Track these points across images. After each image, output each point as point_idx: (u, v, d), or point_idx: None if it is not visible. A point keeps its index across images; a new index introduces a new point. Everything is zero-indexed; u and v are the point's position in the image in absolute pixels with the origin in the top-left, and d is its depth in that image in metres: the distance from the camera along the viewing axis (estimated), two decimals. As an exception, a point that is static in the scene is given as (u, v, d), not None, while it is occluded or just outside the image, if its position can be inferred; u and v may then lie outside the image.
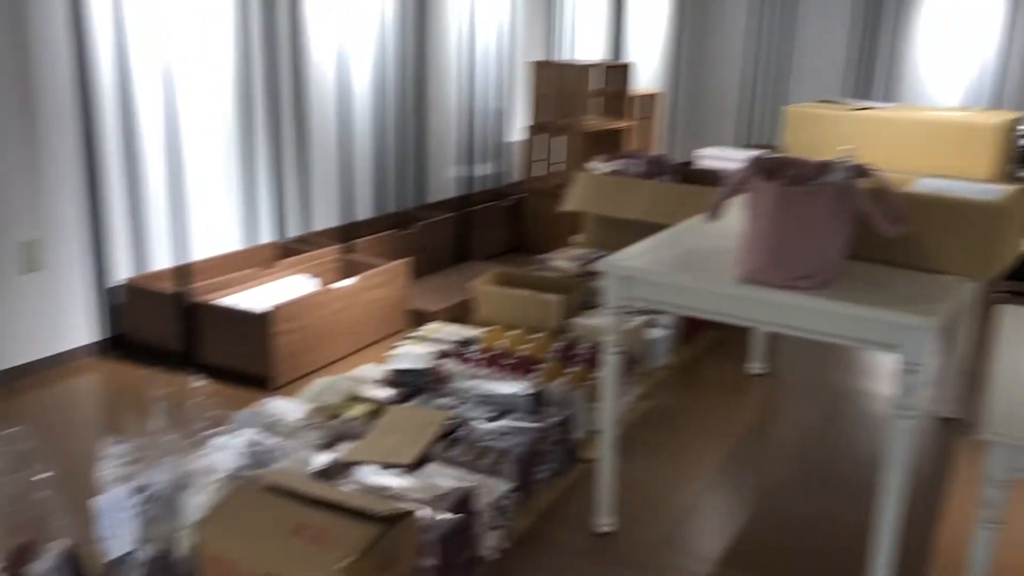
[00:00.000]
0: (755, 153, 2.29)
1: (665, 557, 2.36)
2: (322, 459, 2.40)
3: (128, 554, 2.03)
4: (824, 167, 2.07)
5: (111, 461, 2.14)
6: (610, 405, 2.36)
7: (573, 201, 4.29)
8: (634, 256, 2.30)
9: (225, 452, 2.23)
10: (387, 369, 2.95)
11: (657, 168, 4.44)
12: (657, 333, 3.59)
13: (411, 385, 2.91)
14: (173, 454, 2.17)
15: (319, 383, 2.86)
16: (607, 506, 2.44)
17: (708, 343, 3.91)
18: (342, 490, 2.05)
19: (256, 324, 3.21)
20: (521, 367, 3.09)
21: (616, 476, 2.42)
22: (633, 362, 3.19)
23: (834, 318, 2.01)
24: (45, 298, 3.31)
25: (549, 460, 2.67)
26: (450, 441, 2.55)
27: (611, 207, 4.16)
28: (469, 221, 4.90)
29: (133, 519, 2.04)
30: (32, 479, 2.05)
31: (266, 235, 4.13)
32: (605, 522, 2.44)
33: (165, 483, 2.11)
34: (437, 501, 2.12)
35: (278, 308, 3.21)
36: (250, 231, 4.05)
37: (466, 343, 3.36)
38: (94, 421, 3.10)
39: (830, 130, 2.96)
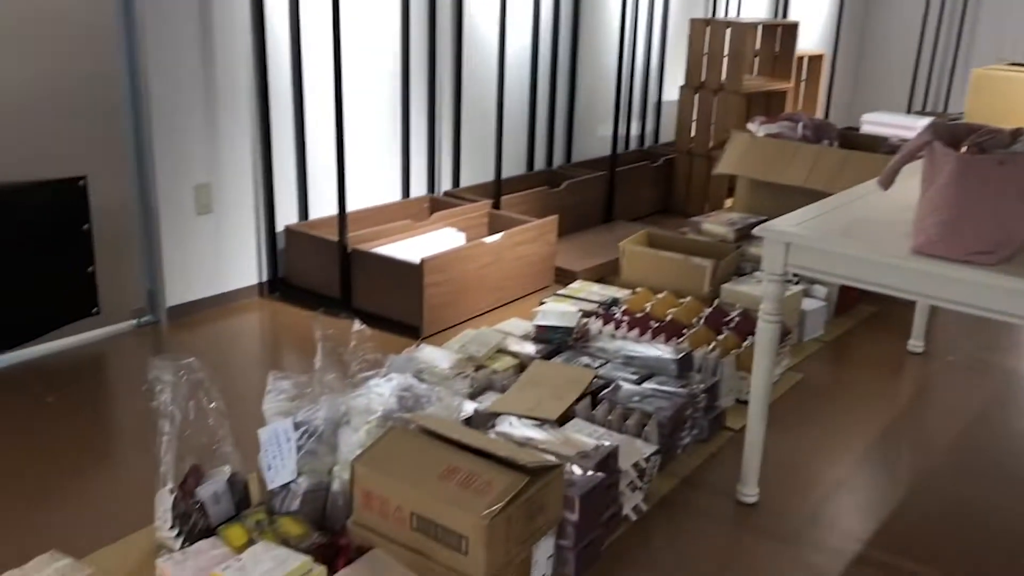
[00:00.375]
0: (929, 119, 2.15)
1: (810, 532, 2.29)
2: (469, 407, 2.45)
3: (287, 484, 2.14)
4: (1017, 135, 1.92)
5: (275, 395, 2.26)
6: (762, 374, 2.29)
7: (728, 164, 4.17)
8: (796, 222, 2.22)
9: (380, 394, 2.31)
10: (533, 324, 2.97)
11: (819, 133, 4.25)
12: (812, 304, 3.46)
13: (556, 342, 2.92)
14: (332, 393, 2.27)
15: (467, 334, 2.91)
16: (752, 477, 2.38)
17: (865, 317, 3.74)
18: (491, 438, 2.09)
19: (409, 274, 3.30)
20: (668, 331, 3.05)
21: (763, 447, 2.36)
22: (785, 333, 3.09)
23: (1015, 296, 1.87)
24: (216, 239, 3.50)
25: (694, 426, 2.63)
26: (594, 400, 2.55)
27: (768, 172, 4.02)
28: (618, 181, 4.84)
29: (293, 451, 2.15)
30: (203, 407, 2.18)
31: (419, 189, 4.22)
32: (749, 492, 2.39)
33: (324, 419, 2.21)
34: (581, 458, 2.13)
35: (429, 260, 3.28)
36: (404, 185, 4.15)
37: (611, 304, 3.34)
38: (258, 357, 3.27)
39: (1020, 94, 2.74)
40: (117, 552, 2.09)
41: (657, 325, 3.09)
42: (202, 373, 2.20)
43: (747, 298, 3.35)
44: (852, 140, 4.37)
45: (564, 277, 3.98)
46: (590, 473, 2.09)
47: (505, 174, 4.55)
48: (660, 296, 3.34)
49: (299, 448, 2.16)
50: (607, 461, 2.16)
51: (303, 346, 3.28)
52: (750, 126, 4.28)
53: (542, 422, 2.34)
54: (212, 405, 2.21)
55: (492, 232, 4.00)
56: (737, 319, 3.16)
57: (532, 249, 3.79)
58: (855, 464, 2.63)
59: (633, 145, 5.58)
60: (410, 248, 3.61)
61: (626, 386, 2.59)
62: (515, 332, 3.01)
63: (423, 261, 3.26)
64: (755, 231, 2.19)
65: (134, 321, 3.38)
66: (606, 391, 2.58)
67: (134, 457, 2.51)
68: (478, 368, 2.77)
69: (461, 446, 1.96)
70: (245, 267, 3.63)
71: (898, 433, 2.82)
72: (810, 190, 3.86)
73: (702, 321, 3.16)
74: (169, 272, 3.38)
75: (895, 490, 2.50)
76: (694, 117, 5.17)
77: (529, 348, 2.90)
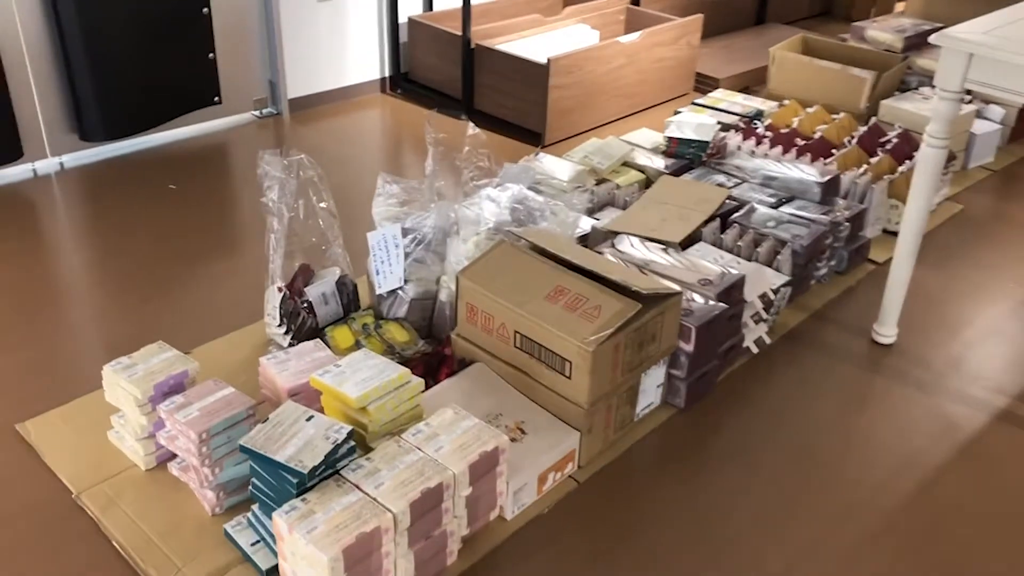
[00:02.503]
0: None
1: (951, 380, 2.09)
2: (587, 224, 2.30)
3: (395, 290, 2.08)
4: None
5: (384, 199, 2.16)
6: (918, 205, 2.03)
7: (905, -40, 3.64)
8: (982, 30, 1.87)
9: (492, 204, 2.18)
10: (664, 136, 2.74)
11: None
12: (985, 127, 3.06)
13: (688, 156, 2.69)
14: (443, 200, 2.16)
15: (591, 143, 2.72)
16: (892, 316, 2.17)
17: (1045, 145, 3.31)
18: (606, 259, 1.95)
19: (534, 74, 3.08)
20: (815, 150, 2.76)
21: (908, 287, 2.13)
22: (950, 158, 2.75)
23: None
24: (337, 29, 3.35)
25: (832, 257, 2.41)
26: (724, 223, 2.35)
27: (953, -30, 3.48)
28: (775, -22, 4.34)
29: (401, 258, 2.07)
30: (313, 206, 2.12)
31: (552, -21, 3.90)
32: (887, 333, 2.19)
33: (433, 227, 2.12)
34: (702, 285, 1.97)
35: (556, 59, 3.04)
36: (536, -26, 3.83)
37: (755, 117, 3.05)
38: (376, 156, 3.19)
39: None
40: (228, 344, 2.11)
41: (804, 143, 2.80)
42: (313, 171, 2.12)
43: (909, 117, 2.98)
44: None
45: (705, 84, 3.66)
46: (711, 303, 1.93)
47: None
48: (810, 110, 3.02)
49: (407, 255, 2.09)
50: (731, 291, 1.99)
51: (421, 147, 3.16)
52: (938, -86, 3.69)
53: (664, 244, 2.18)
54: (323, 205, 2.15)
55: (629, 31, 3.68)
56: (895, 140, 2.83)
57: (671, 52, 3.48)
58: (1010, 312, 2.36)
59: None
60: (538, 46, 3.36)
61: (761, 209, 2.37)
62: (644, 144, 2.79)
63: (549, 61, 3.02)
64: (932, 38, 1.86)
65: (256, 112, 3.33)
66: (738, 214, 2.37)
67: (250, 251, 2.51)
68: (600, 182, 2.59)
69: (572, 266, 1.83)
70: (367, 60, 3.49)
71: (1068, 279, 2.52)
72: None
73: (855, 141, 2.84)
74: (290, 62, 3.27)
75: (1056, 342, 2.24)
76: (871, -97, 4.52)
77: (658, 162, 2.69)
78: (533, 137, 3.17)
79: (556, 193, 2.42)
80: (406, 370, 1.63)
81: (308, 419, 1.50)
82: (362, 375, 1.61)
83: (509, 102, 3.22)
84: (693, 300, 1.94)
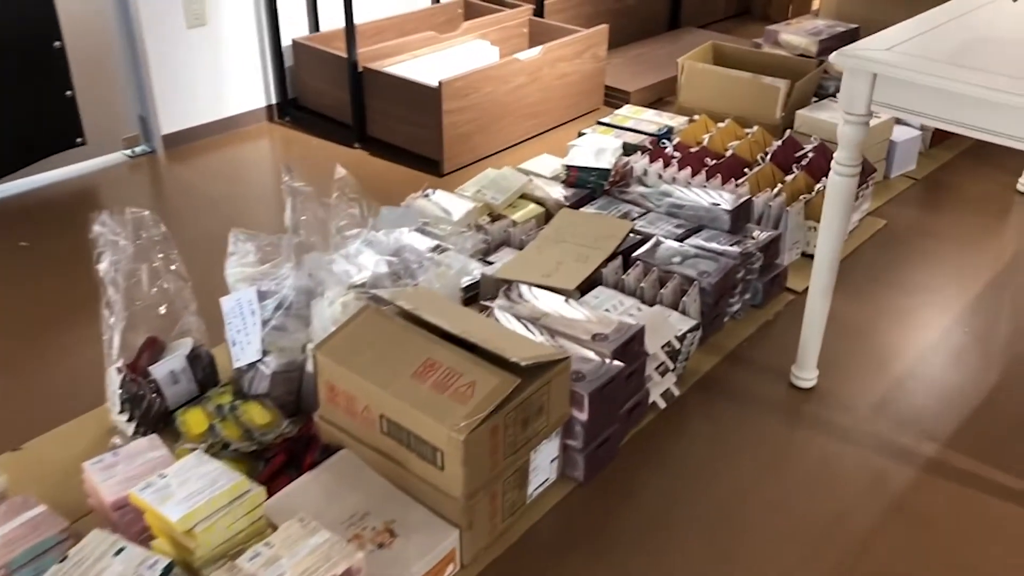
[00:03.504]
0: None
1: (877, 426, 1.91)
2: (478, 269, 2.08)
3: (253, 364, 1.84)
4: None
5: (239, 259, 1.92)
6: (831, 237, 1.84)
7: (816, -41, 3.48)
8: (888, 44, 1.68)
9: (365, 257, 1.95)
10: (562, 165, 2.52)
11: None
12: (904, 133, 2.91)
13: (590, 185, 2.48)
14: (308, 254, 1.92)
15: (487, 175, 2.49)
16: (810, 359, 1.99)
17: (966, 147, 3.17)
18: (487, 321, 1.73)
19: (426, 98, 2.85)
20: (726, 170, 2.57)
21: (827, 319, 1.94)
22: (868, 171, 2.58)
23: None
24: (213, 56, 3.08)
25: (746, 290, 2.22)
26: (628, 261, 2.15)
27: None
28: (687, -20, 4.16)
29: (258, 326, 1.83)
30: (165, 268, 1.86)
31: (451, -9, 3.67)
32: (806, 376, 2.01)
33: (295, 287, 1.88)
34: (596, 341, 1.76)
35: (450, 82, 2.80)
36: (434, -14, 3.59)
37: (663, 135, 2.85)
38: (255, 195, 2.92)
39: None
40: (64, 437, 1.84)
41: (715, 163, 2.61)
42: (157, 230, 1.87)
43: (826, 128, 2.82)
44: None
45: (616, 98, 3.47)
46: (606, 361, 1.72)
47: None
48: (721, 125, 2.83)
49: (266, 322, 1.84)
50: (629, 345, 1.78)
51: (309, 180, 2.91)
52: (848, -90, 3.54)
53: (560, 292, 1.96)
54: (172, 267, 1.90)
55: (534, 44, 3.47)
56: (811, 155, 2.65)
57: (576, 66, 3.27)
58: (941, 340, 2.20)
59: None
60: (432, 66, 3.13)
61: (666, 244, 2.17)
62: (544, 172, 2.58)
63: (441, 84, 2.79)
64: (831, 58, 1.67)
65: (128, 152, 3.04)
66: (642, 250, 2.16)
67: (99, 322, 2.24)
68: (495, 218, 2.37)
69: (446, 334, 1.60)
70: (250, 88, 3.22)
71: (999, 299, 2.36)
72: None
73: (768, 157, 2.66)
74: (161, 95, 3.00)
75: (987, 375, 2.08)
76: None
77: (558, 192, 2.47)
78: (431, 165, 2.94)
79: (445, 235, 2.19)
80: (243, 479, 1.39)
81: (117, 553, 1.26)
82: (190, 487, 1.37)
83: (403, 128, 2.98)
84: (586, 359, 1.72)
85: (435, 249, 2.16)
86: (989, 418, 1.94)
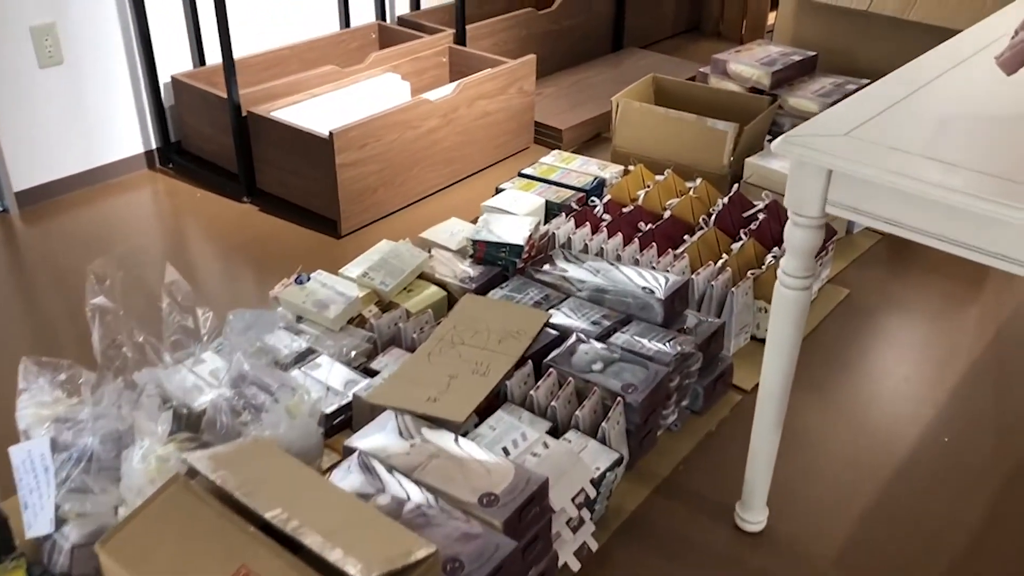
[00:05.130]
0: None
1: (841, 581, 1.55)
2: (352, 385, 1.69)
3: (48, 536, 1.44)
4: None
5: (32, 396, 1.51)
6: (780, 361, 1.47)
7: (769, -23, 3.11)
8: (847, 124, 1.31)
9: (199, 384, 1.55)
10: (467, 240, 2.12)
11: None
12: (868, 185, 2.55)
13: (501, 263, 2.10)
14: (120, 386, 1.51)
15: (378, 250, 2.10)
16: (757, 497, 1.62)
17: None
18: (336, 497, 1.33)
19: (315, 149, 2.44)
20: (665, 236, 2.20)
21: (774, 458, 1.57)
22: (829, 234, 2.22)
23: None
24: (74, 98, 2.64)
25: (683, 397, 1.85)
26: (539, 367, 1.77)
27: (823, -11, 2.97)
28: (631, -5, 3.77)
29: (51, 487, 1.42)
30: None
31: (364, 14, 3.25)
32: (753, 519, 1.64)
33: (103, 434, 1.47)
34: (485, 506, 1.38)
35: (341, 133, 2.40)
36: (343, 8, 3.17)
37: (593, 191, 2.47)
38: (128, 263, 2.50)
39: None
40: None
41: (650, 227, 2.24)
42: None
43: (778, 180, 2.45)
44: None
45: (548, 136, 3.08)
46: (496, 541, 1.34)
47: (481, -10, 3.55)
48: (660, 178, 2.46)
49: (63, 481, 1.44)
50: (528, 507, 1.40)
51: (193, 240, 2.50)
52: (803, -79, 3.17)
53: (445, 425, 1.57)
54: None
55: (456, 76, 3.08)
56: (762, 216, 2.29)
57: (500, 103, 2.88)
58: (915, 454, 1.84)
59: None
60: (331, 108, 2.73)
61: (584, 348, 1.79)
62: (449, 243, 2.19)
63: (333, 134, 2.39)
64: (774, 147, 1.30)
65: (-26, 211, 2.62)
66: (556, 352, 1.78)
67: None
68: (385, 308, 1.98)
69: (269, 524, 1.20)
70: (125, 132, 2.79)
71: (981, 393, 2.00)
72: (892, 19, 2.84)
73: (713, 219, 2.29)
74: (12, 146, 2.56)
75: (973, 506, 1.72)
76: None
77: (465, 270, 2.09)
78: (327, 225, 2.54)
79: (313, 339, 1.80)
80: None
81: None
82: None
83: (295, 182, 2.58)
84: (469, 537, 1.34)
85: (301, 359, 1.77)
86: (976, 568, 1.58)
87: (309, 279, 2.01)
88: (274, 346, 1.78)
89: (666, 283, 1.93)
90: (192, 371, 1.56)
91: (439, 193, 2.77)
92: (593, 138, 3.15)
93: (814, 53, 2.97)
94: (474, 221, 2.29)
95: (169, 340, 1.58)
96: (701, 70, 3.04)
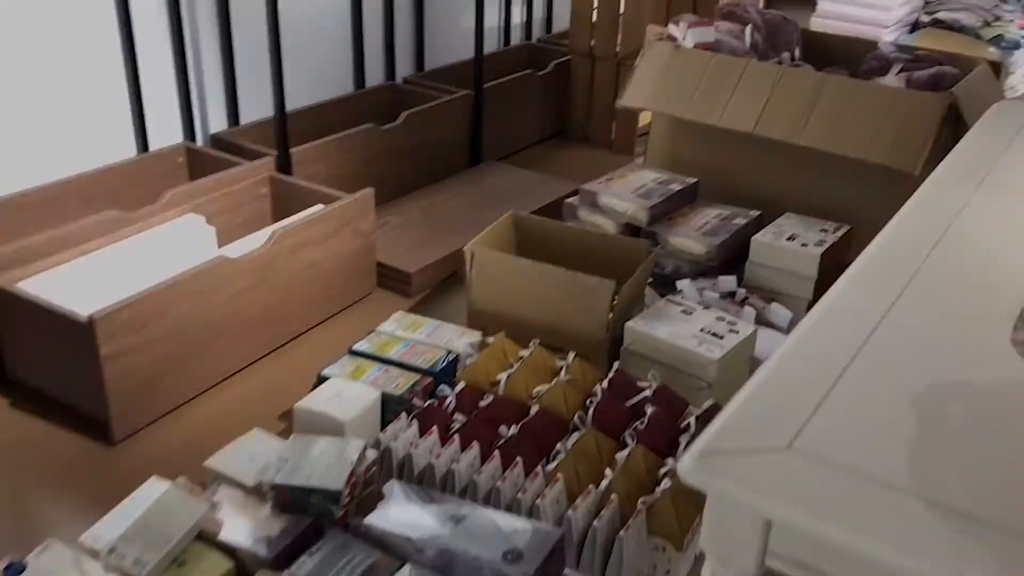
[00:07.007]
0: None
1: None
2: None
3: None
4: None
5: None
6: None
7: (638, 93, 2.75)
8: (788, 428, 0.87)
9: None
10: (267, 483, 1.57)
11: (776, 38, 2.86)
12: (769, 341, 2.15)
13: (312, 514, 1.55)
14: None
15: (136, 502, 1.52)
16: None
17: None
18: None
19: (72, 337, 1.86)
20: (530, 445, 1.72)
21: None
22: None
23: None
24: None
25: None
26: None
27: (700, 107, 2.62)
28: (488, 99, 3.34)
29: None
30: None
31: (168, 134, 2.69)
32: None
33: None
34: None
35: (106, 316, 1.83)
36: (139, 129, 2.61)
37: (445, 369, 1.98)
38: None
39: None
40: None
41: (512, 431, 1.76)
42: None
43: (665, 349, 2.02)
44: (819, 46, 2.98)
45: (392, 280, 2.59)
46: None
47: (311, 99, 3.06)
48: (525, 354, 1.99)
49: None
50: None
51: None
52: (673, 29, 2.84)
53: None
54: None
55: (280, 212, 2.56)
56: (651, 411, 1.84)
57: (331, 248, 2.37)
58: None
59: (515, 38, 4.08)
60: (106, 270, 2.15)
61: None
62: (245, 477, 1.63)
63: (94, 320, 1.81)
64: (680, 472, 0.83)
65: None
66: (382, 674, 1.25)
67: None
68: (142, 597, 1.41)
69: None
70: None
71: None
72: (763, 139, 2.52)
73: (591, 412, 1.83)
74: None
75: None
76: (594, 4, 3.66)
77: (264, 523, 1.54)
78: (96, 428, 1.95)
79: None
80: None
81: None
82: None
83: (54, 373, 1.98)
84: None
85: None
86: None
87: (47, 550, 1.43)
88: None
89: (535, 538, 1.44)
90: None
91: (251, 367, 2.22)
92: (449, 277, 2.68)
93: (694, 180, 2.60)
94: (286, 430, 1.75)
95: None
96: (568, 201, 2.62)
